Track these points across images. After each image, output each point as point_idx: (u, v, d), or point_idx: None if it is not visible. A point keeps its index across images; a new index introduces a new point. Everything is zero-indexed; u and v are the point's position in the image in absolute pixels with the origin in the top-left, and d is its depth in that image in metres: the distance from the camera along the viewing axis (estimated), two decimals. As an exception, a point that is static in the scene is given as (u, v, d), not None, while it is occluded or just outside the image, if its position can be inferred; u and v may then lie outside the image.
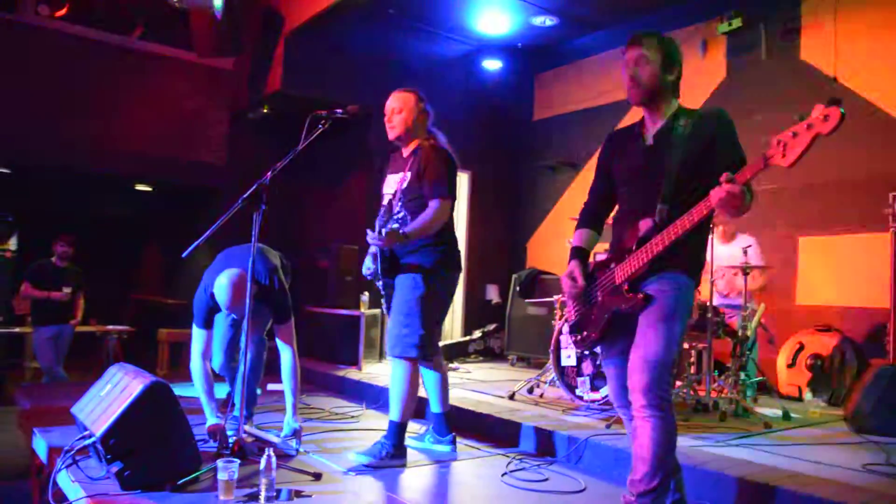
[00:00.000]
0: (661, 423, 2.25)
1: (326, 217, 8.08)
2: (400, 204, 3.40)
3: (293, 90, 6.64)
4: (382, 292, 3.49)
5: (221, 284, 3.35)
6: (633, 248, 2.36)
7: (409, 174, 3.40)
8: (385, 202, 3.52)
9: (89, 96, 6.64)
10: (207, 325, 3.63)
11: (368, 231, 3.20)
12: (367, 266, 3.57)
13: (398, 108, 3.45)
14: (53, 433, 3.45)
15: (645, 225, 2.35)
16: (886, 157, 5.12)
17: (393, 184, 3.50)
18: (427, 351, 3.34)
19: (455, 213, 3.51)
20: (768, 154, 2.01)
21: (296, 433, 3.46)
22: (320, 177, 7.66)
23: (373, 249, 3.50)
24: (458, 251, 3.53)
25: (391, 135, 3.49)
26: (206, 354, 3.62)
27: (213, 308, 3.54)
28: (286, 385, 3.60)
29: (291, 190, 7.56)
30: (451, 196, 3.36)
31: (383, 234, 3.12)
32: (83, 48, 6.65)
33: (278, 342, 3.67)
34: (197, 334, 3.62)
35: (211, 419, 3.46)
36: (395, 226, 3.25)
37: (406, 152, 3.53)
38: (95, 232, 10.73)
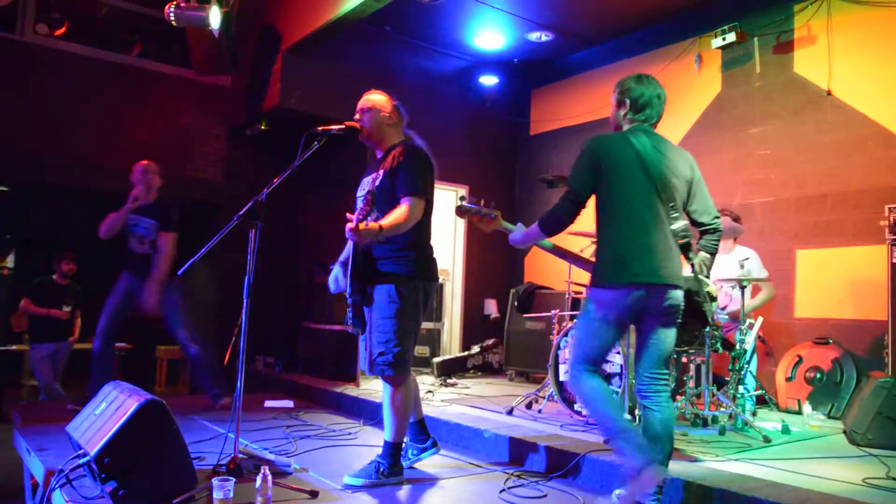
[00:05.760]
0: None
1: (325, 233, 8.07)
2: (371, 202, 3.20)
3: (291, 106, 6.67)
4: (349, 301, 3.30)
5: None
6: None
7: (381, 172, 3.31)
8: (359, 204, 3.39)
9: (87, 113, 6.66)
10: None
11: (347, 226, 3.01)
12: (336, 279, 3.47)
13: (366, 108, 3.40)
14: (48, 452, 3.43)
15: None
16: (882, 170, 5.14)
17: (366, 185, 3.42)
18: (406, 368, 3.25)
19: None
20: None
21: None
22: (319, 192, 7.67)
23: (343, 257, 3.48)
24: (434, 259, 3.43)
25: (361, 136, 3.40)
26: None
27: None
28: None
29: (290, 206, 7.58)
30: (423, 194, 3.27)
31: (359, 228, 2.94)
32: (82, 66, 6.68)
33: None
34: None
35: None
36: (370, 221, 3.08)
37: (379, 153, 3.46)
38: (92, 249, 10.71)
